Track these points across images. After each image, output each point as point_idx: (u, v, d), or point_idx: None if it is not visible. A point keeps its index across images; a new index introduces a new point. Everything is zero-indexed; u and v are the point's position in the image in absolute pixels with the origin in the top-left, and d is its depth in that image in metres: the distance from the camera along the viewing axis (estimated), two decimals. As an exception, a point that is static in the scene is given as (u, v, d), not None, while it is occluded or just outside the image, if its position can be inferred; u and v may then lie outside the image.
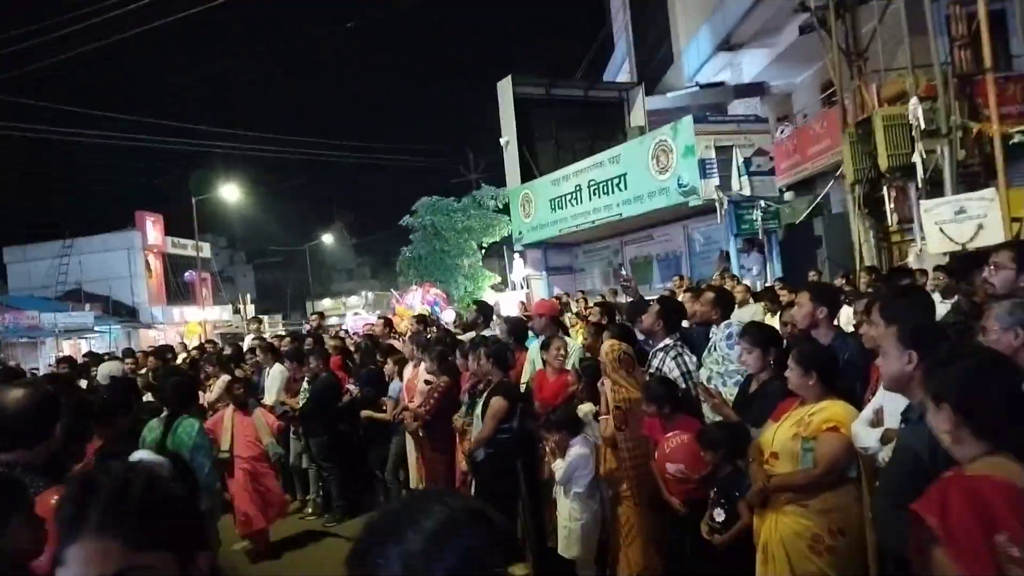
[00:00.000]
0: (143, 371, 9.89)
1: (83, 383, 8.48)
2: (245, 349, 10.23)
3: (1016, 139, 10.38)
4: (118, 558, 1.12)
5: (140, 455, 1.27)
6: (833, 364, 3.42)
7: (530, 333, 6.72)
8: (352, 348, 9.00)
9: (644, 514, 4.24)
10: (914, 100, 10.64)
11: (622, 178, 15.34)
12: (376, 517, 1.10)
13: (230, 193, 31.35)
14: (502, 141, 20.68)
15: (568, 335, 7.28)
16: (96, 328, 29.35)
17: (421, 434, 6.17)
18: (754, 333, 4.03)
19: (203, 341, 17.59)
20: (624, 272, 15.67)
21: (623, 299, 11.67)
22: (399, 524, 1.05)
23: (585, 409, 4.67)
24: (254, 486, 6.38)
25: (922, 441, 2.53)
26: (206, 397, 8.81)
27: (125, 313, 33.31)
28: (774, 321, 6.95)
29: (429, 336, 8.40)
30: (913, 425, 2.62)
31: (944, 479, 1.89)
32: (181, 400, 4.83)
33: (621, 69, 31.15)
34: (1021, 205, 10.09)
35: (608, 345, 4.53)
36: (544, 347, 5.58)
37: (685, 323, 5.33)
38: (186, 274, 36.62)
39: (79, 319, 28.81)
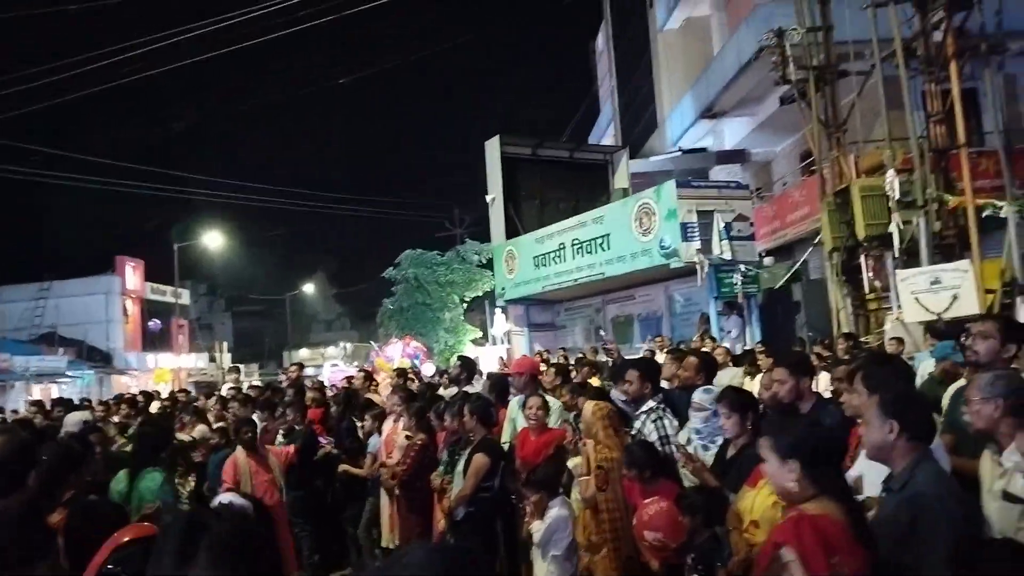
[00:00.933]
0: (114, 419, 9.70)
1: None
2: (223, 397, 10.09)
3: (988, 212, 10.66)
4: None
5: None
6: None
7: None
8: (331, 401, 8.90)
9: (622, 578, 4.17)
10: (891, 172, 10.93)
11: (605, 238, 15.53)
12: None
13: (213, 240, 31.35)
14: (488, 198, 20.94)
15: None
16: (68, 372, 28.83)
17: (397, 492, 6.07)
18: (732, 398, 4.04)
19: (175, 390, 17.35)
20: (603, 334, 15.73)
21: (602, 358, 11.71)
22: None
23: (575, 462, 4.62)
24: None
25: (902, 510, 2.55)
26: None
27: (99, 358, 32.77)
28: (753, 384, 6.97)
29: (411, 390, 8.36)
30: (894, 495, 2.63)
31: (794, 516, 2.42)
32: (143, 453, 4.73)
33: (606, 132, 31.87)
34: (994, 277, 10.31)
35: (593, 405, 4.53)
36: (523, 406, 5.55)
37: (666, 384, 5.35)
38: (151, 322, 36.24)
39: (51, 363, 28.30)
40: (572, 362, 10.71)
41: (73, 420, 8.09)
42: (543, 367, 8.94)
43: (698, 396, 4.54)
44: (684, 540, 3.78)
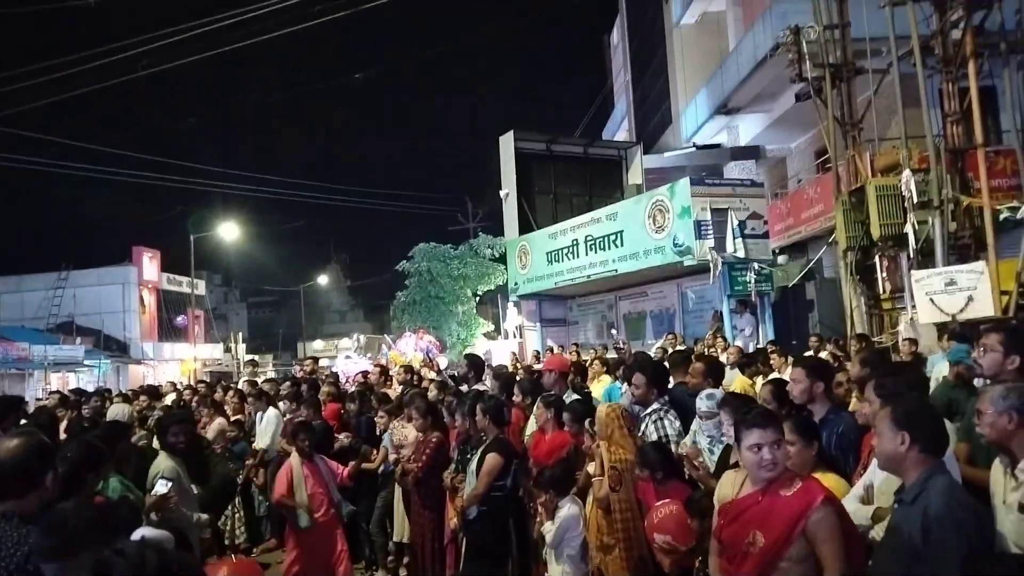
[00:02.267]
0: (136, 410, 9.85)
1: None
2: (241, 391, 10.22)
3: (1005, 213, 10.59)
4: None
5: (142, 532, 1.29)
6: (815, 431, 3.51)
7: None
8: (347, 396, 8.98)
9: (633, 578, 4.23)
10: (907, 172, 10.88)
11: (619, 235, 15.53)
12: None
13: (229, 232, 31.56)
14: (502, 193, 20.97)
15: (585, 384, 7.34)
16: (85, 362, 29.16)
17: (411, 489, 6.14)
18: (734, 404, 4.07)
19: (192, 382, 17.51)
20: (614, 332, 15.74)
21: (612, 355, 11.75)
22: None
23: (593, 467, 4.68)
24: (325, 544, 5.92)
25: (914, 523, 2.58)
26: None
27: (116, 348, 33.11)
28: (762, 385, 6.98)
29: (420, 387, 8.44)
30: (906, 506, 2.66)
31: (810, 484, 2.89)
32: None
33: (620, 127, 31.77)
34: (1010, 278, 10.25)
35: (607, 406, 4.59)
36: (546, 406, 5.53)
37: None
38: (178, 319, 36.56)
39: (69, 352, 28.63)
40: (587, 358, 10.75)
41: (119, 412, 8.28)
42: (590, 361, 9.05)
43: (700, 402, 4.57)
44: (693, 543, 3.83)
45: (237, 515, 7.87)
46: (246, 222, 35.52)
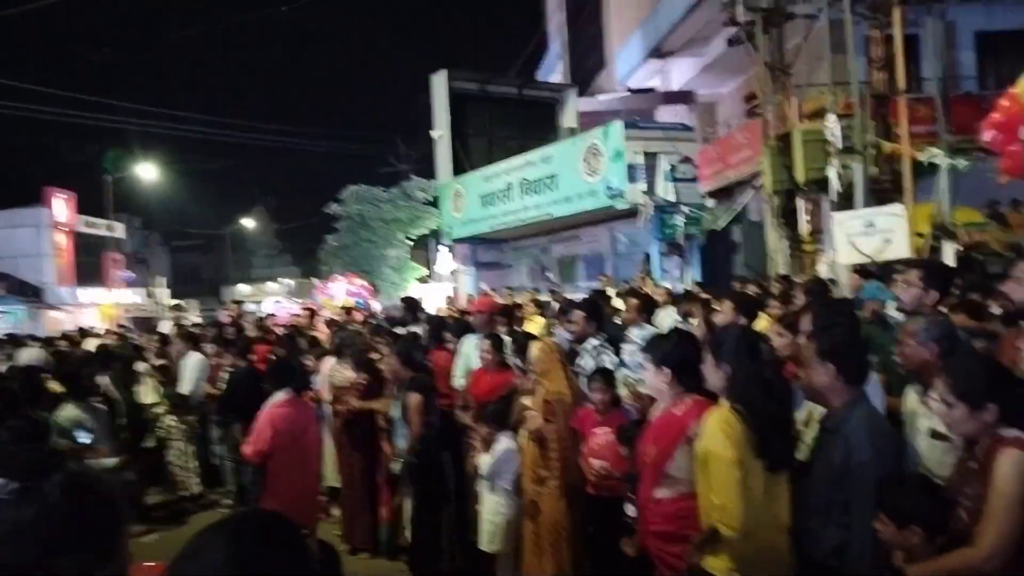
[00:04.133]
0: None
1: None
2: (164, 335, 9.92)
3: (924, 158, 10.97)
4: None
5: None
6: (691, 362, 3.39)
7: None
8: (276, 339, 8.83)
9: (566, 508, 4.34)
10: (832, 117, 11.12)
11: (553, 178, 15.53)
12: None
13: (147, 172, 30.22)
14: (434, 134, 20.62)
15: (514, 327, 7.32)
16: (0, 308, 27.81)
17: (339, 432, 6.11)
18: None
19: (111, 328, 16.95)
20: (549, 275, 15.88)
21: (544, 298, 11.86)
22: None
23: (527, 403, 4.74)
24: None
25: (838, 450, 2.71)
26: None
27: (31, 293, 31.61)
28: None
29: (355, 328, 8.35)
30: (829, 434, 2.79)
31: (699, 403, 3.18)
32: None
33: (555, 69, 31.44)
34: (925, 221, 10.69)
35: (542, 343, 4.64)
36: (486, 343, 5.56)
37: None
38: (122, 274, 35.09)
39: (-21, 298, 27.23)
40: (519, 301, 10.82)
41: (32, 357, 7.89)
42: (525, 302, 9.06)
43: (635, 333, 4.68)
44: (628, 470, 3.94)
45: (191, 465, 7.67)
46: (167, 163, 34.09)
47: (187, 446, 7.61)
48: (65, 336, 10.92)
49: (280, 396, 4.68)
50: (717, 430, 2.87)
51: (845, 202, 11.23)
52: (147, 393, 7.59)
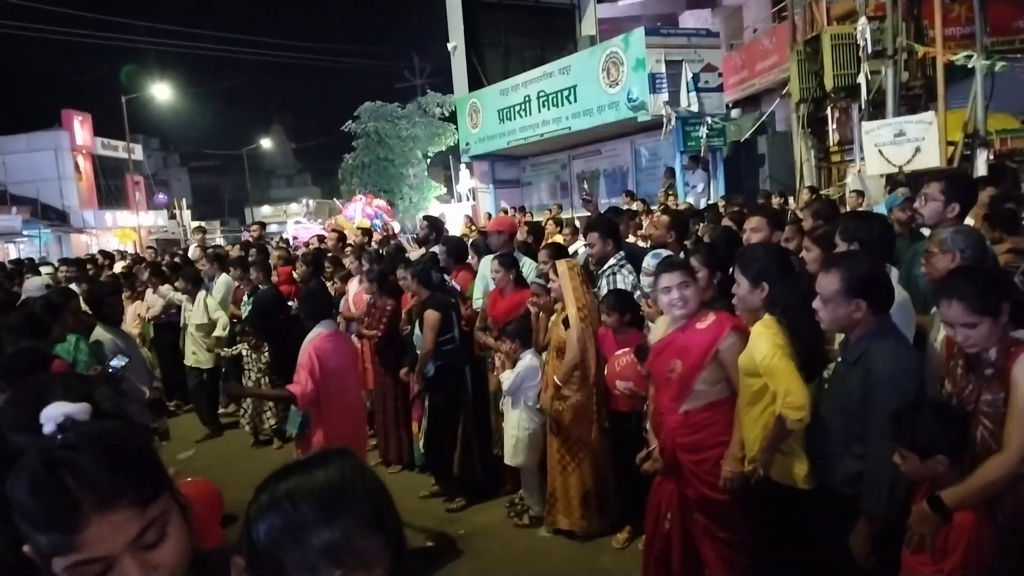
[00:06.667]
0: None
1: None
2: (192, 258, 9.99)
3: (959, 62, 10.56)
4: (135, 522, 1.07)
5: (60, 410, 1.08)
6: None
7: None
8: (299, 261, 8.84)
9: (590, 424, 4.40)
10: (863, 20, 10.68)
11: (572, 90, 15.14)
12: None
13: (162, 92, 29.91)
14: (450, 46, 20.07)
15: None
16: (25, 232, 28.14)
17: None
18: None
19: (135, 250, 17.11)
20: (585, 188, 15.65)
21: (567, 215, 11.76)
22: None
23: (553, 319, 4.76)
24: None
25: (855, 384, 2.66)
26: (137, 309, 8.57)
27: (55, 217, 31.91)
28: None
29: (375, 250, 8.34)
30: (848, 365, 2.74)
31: (722, 317, 3.35)
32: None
33: (572, -27, 30.22)
34: (957, 128, 10.37)
35: (566, 262, 4.62)
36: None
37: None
38: (159, 196, 35.09)
39: (6, 222, 27.50)
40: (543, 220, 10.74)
41: (34, 285, 7.74)
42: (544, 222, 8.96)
43: (647, 261, 4.49)
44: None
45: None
46: (181, 82, 33.69)
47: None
48: (94, 258, 11.03)
49: (321, 330, 4.41)
50: (769, 334, 2.96)
51: (875, 110, 10.90)
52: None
